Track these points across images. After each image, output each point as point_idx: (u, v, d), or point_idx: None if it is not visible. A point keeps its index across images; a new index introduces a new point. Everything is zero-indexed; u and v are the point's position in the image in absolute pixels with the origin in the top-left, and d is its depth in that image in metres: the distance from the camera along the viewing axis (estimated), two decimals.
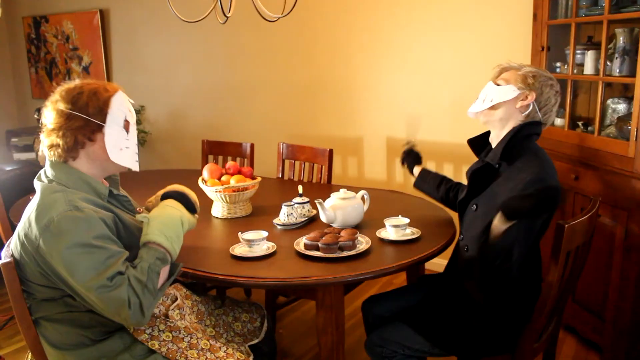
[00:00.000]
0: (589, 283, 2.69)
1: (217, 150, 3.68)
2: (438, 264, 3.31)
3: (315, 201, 2.31)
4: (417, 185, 2.50)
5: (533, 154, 1.92)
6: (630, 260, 2.48)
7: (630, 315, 2.51)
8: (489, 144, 2.09)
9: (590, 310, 2.75)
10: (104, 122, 1.69)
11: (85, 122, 1.67)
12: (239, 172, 2.59)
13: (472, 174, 2.04)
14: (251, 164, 3.48)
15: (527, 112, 1.97)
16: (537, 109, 1.97)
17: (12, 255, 1.66)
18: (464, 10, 3.54)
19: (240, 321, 2.04)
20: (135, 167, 1.82)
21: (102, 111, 1.69)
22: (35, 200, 1.65)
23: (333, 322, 1.94)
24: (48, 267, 1.56)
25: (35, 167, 4.13)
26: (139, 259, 1.63)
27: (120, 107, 1.74)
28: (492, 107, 1.99)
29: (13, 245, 1.67)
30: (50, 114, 1.69)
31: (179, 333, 1.75)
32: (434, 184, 2.43)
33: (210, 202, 2.56)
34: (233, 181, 2.50)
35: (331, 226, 2.28)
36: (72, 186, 1.67)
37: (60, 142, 1.66)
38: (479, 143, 2.16)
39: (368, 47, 3.98)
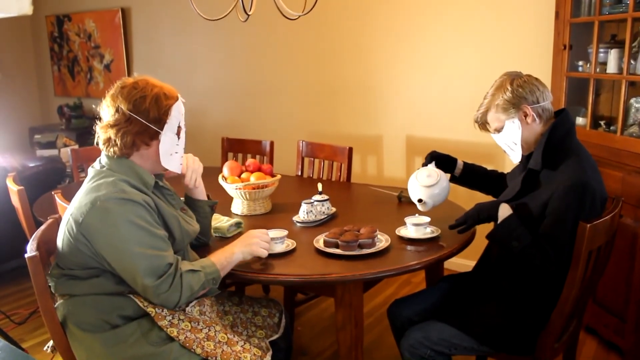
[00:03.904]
0: (610, 284, 2.66)
1: (237, 147, 3.71)
2: (457, 264, 3.30)
3: (415, 201, 2.24)
4: (465, 176, 2.40)
5: (575, 155, 1.92)
6: None
7: None
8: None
9: (611, 312, 2.73)
10: (161, 130, 1.77)
11: (144, 127, 1.74)
12: (259, 170, 2.60)
13: (522, 181, 2.02)
14: (271, 162, 3.49)
15: (538, 119, 1.98)
16: (540, 106, 1.98)
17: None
18: (485, 8, 3.52)
19: (260, 315, 2.06)
20: (178, 171, 1.92)
21: (161, 119, 1.77)
22: (84, 184, 1.75)
23: (352, 319, 1.95)
24: (88, 243, 1.65)
25: (58, 163, 4.18)
26: (196, 265, 1.75)
27: (177, 115, 1.81)
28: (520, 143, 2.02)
29: (60, 227, 1.76)
30: (109, 110, 1.76)
31: (198, 324, 1.77)
32: (485, 172, 2.44)
33: (230, 199, 2.58)
34: (253, 178, 2.51)
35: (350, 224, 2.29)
36: (121, 173, 1.74)
37: (118, 142, 1.73)
38: None
39: (388, 46, 3.97)
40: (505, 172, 2.38)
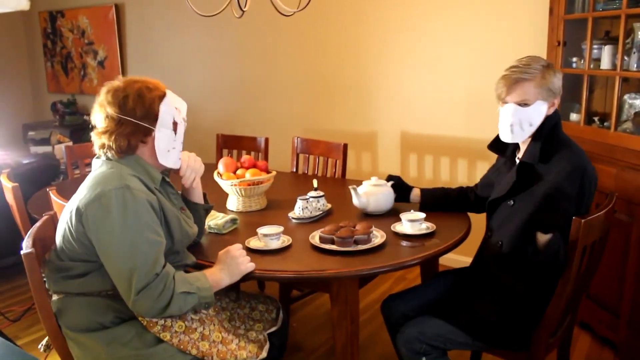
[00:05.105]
0: (604, 279, 2.67)
1: (232, 144, 3.70)
2: (452, 259, 3.31)
3: (349, 187, 2.38)
4: (426, 202, 2.42)
5: (567, 146, 1.95)
6: None
7: None
8: (510, 143, 2.10)
9: (605, 307, 2.74)
10: (154, 127, 1.76)
11: (135, 126, 1.73)
12: (254, 166, 2.60)
13: (517, 175, 2.01)
14: (266, 158, 3.49)
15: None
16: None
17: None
18: (479, 5, 3.53)
19: (258, 310, 2.06)
20: (177, 166, 1.91)
21: (149, 115, 1.75)
22: (90, 175, 1.76)
23: (348, 315, 1.95)
24: (86, 235, 1.65)
25: (52, 160, 4.17)
26: (193, 287, 1.70)
27: (169, 111, 1.79)
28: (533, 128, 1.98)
29: (60, 222, 1.76)
30: (99, 116, 1.76)
31: (192, 323, 1.78)
32: (444, 193, 2.43)
33: (226, 195, 2.58)
34: (248, 175, 2.51)
35: (346, 220, 2.29)
36: (129, 165, 1.75)
37: (113, 145, 1.73)
38: (497, 143, 2.16)
39: (383, 42, 3.97)
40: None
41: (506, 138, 2.03)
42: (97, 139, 1.76)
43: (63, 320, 1.76)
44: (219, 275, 1.80)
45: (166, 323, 1.74)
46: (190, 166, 1.99)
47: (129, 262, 1.60)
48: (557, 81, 1.97)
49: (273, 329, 2.00)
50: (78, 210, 1.66)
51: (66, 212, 1.73)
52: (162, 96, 1.79)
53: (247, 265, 1.84)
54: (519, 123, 1.96)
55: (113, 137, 1.72)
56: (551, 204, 1.86)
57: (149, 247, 1.64)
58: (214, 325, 1.83)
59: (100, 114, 1.76)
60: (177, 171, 1.97)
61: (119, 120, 1.72)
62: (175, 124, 1.83)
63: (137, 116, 1.73)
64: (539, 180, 1.94)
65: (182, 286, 1.67)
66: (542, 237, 1.79)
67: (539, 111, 1.95)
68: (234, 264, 1.83)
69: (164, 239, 1.72)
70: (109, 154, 1.76)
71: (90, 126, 1.83)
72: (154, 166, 1.82)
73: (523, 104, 1.95)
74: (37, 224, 1.86)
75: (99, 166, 1.77)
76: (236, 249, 1.86)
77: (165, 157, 1.82)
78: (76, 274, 1.73)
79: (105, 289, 1.72)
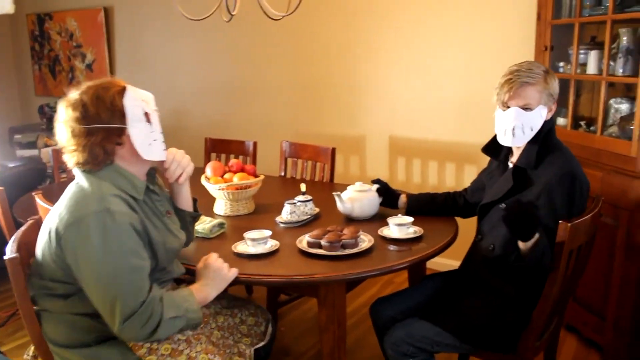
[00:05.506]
0: (590, 282, 2.69)
1: (220, 148, 3.69)
2: (440, 263, 3.31)
3: (333, 193, 2.37)
4: (412, 208, 2.41)
5: (559, 149, 1.97)
6: (631, 259, 2.49)
7: (631, 314, 2.52)
8: (504, 147, 2.11)
9: (591, 310, 2.76)
10: (125, 124, 1.65)
11: (106, 131, 1.62)
12: (242, 170, 2.60)
13: (513, 179, 2.01)
14: (254, 162, 3.49)
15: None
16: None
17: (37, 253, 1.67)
18: (468, 9, 3.54)
19: (247, 324, 2.01)
20: (164, 158, 1.79)
21: (115, 114, 1.63)
22: (70, 188, 1.66)
23: (335, 319, 1.95)
24: (64, 259, 1.58)
25: (38, 164, 4.14)
26: (181, 309, 1.64)
27: (134, 103, 1.67)
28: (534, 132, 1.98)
29: (39, 236, 1.68)
30: (65, 135, 1.65)
31: (179, 345, 1.74)
32: (430, 198, 2.43)
33: (213, 199, 2.57)
34: (236, 179, 2.50)
35: (333, 224, 2.29)
36: (108, 179, 1.65)
37: (89, 159, 1.63)
38: (492, 146, 2.17)
39: (371, 46, 3.98)
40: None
41: (506, 142, 2.02)
42: (71, 158, 1.66)
43: (46, 334, 1.72)
44: (206, 291, 1.76)
45: (152, 346, 1.71)
46: (177, 160, 1.86)
47: (112, 290, 1.53)
48: (556, 86, 1.99)
49: (261, 344, 1.95)
50: (57, 232, 1.57)
51: (45, 228, 1.64)
52: (122, 91, 1.66)
53: (230, 273, 1.81)
54: (521, 127, 1.96)
55: (87, 151, 1.62)
56: (541, 206, 1.87)
57: (132, 274, 1.56)
58: (202, 344, 1.78)
59: (65, 133, 1.64)
60: (164, 169, 1.86)
61: (87, 132, 1.61)
62: (147, 115, 1.70)
63: (103, 120, 1.62)
64: (531, 184, 1.95)
65: (171, 310, 1.61)
66: (523, 245, 1.78)
67: (540, 115, 1.96)
68: (217, 276, 1.79)
69: (149, 261, 1.64)
70: (88, 168, 1.65)
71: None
72: (136, 174, 1.71)
73: (526, 108, 1.95)
74: (22, 229, 1.84)
75: (78, 179, 1.67)
76: (214, 260, 1.82)
77: (148, 151, 1.70)
78: (58, 294, 1.67)
79: (87, 311, 1.64)
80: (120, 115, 1.64)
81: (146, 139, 1.69)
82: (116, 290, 1.53)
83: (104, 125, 1.62)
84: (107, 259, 1.53)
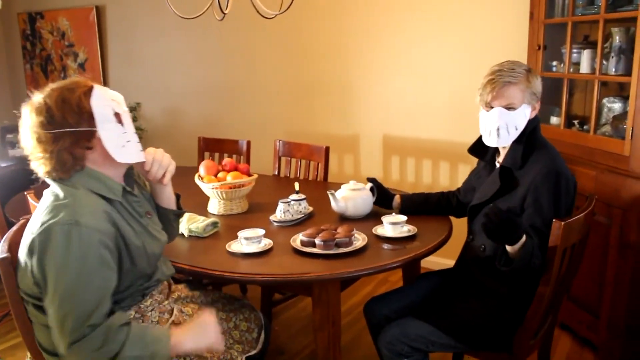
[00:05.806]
0: (583, 281, 2.70)
1: (214, 147, 3.68)
2: (434, 262, 3.31)
3: (327, 192, 2.38)
4: (405, 208, 2.40)
5: (543, 147, 1.97)
6: (625, 258, 2.49)
7: (625, 313, 2.52)
8: (489, 147, 2.10)
9: (585, 308, 2.77)
10: (94, 127, 1.55)
11: (74, 135, 1.53)
12: (236, 169, 2.59)
13: (500, 180, 2.01)
14: (247, 161, 3.48)
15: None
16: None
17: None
18: (461, 8, 3.54)
19: (239, 330, 1.97)
20: (142, 158, 1.70)
21: (82, 116, 1.54)
22: (43, 199, 1.58)
23: (329, 318, 1.95)
24: (32, 269, 1.50)
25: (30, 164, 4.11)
26: (147, 350, 1.51)
27: (103, 103, 1.58)
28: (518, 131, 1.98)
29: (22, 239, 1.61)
30: (31, 142, 1.56)
31: None
32: (424, 199, 2.43)
33: (207, 198, 2.56)
34: (229, 178, 2.49)
35: (327, 223, 2.29)
36: (81, 186, 1.56)
37: (57, 166, 1.54)
38: (478, 147, 2.17)
39: (365, 45, 3.98)
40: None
41: (491, 142, 2.02)
42: (39, 166, 1.56)
43: (37, 339, 1.67)
44: (184, 337, 1.62)
45: None
46: (158, 160, 1.75)
47: (65, 306, 1.43)
48: (539, 85, 1.99)
49: (252, 352, 1.91)
50: (33, 240, 1.49)
51: (25, 236, 1.56)
52: (88, 91, 1.56)
53: (215, 339, 1.67)
54: (505, 127, 1.96)
55: (55, 158, 1.52)
56: (528, 205, 1.87)
57: (90, 293, 1.45)
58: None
59: (31, 140, 1.54)
60: (145, 172, 1.77)
61: (53, 137, 1.51)
62: (118, 115, 1.60)
63: (70, 124, 1.52)
64: (518, 184, 1.96)
65: (136, 348, 1.49)
66: (511, 249, 1.78)
67: (524, 115, 1.96)
68: (203, 332, 1.66)
69: (115, 280, 1.54)
70: (57, 176, 1.55)
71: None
72: (111, 175, 1.63)
73: (510, 107, 1.95)
74: (14, 228, 1.82)
75: (52, 187, 1.58)
76: (208, 315, 1.71)
77: (122, 154, 1.60)
78: (35, 305, 1.59)
79: None
80: (89, 118, 1.55)
81: (119, 141, 1.60)
82: (70, 307, 1.43)
83: (71, 130, 1.52)
84: (65, 271, 1.44)
